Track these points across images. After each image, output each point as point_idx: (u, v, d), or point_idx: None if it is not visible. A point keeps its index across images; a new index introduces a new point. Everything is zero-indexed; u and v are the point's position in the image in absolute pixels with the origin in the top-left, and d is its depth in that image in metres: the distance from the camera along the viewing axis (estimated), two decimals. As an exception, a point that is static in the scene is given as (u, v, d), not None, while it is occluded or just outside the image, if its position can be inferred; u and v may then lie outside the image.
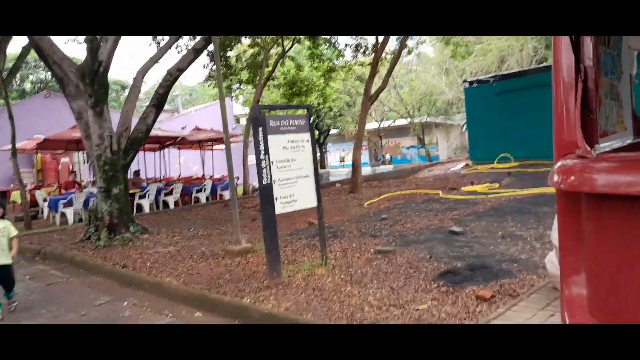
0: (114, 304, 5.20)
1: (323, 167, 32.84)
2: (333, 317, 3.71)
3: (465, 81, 19.29)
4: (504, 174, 12.53)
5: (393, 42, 17.40)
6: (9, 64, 15.06)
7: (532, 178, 11.03)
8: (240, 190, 16.60)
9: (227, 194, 15.55)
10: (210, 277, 5.36)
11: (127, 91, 12.42)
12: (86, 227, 8.80)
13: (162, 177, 18.31)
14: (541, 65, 20.10)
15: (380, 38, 14.00)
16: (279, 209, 4.82)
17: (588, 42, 1.99)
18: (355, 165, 13.35)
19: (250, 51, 18.03)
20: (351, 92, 28.27)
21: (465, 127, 29.03)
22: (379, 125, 32.94)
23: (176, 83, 11.13)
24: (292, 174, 4.98)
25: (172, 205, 14.20)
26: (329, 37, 17.34)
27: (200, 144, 18.35)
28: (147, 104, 9.89)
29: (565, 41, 1.97)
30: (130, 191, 11.52)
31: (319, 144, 31.94)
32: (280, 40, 16.90)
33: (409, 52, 16.50)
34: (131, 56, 57.35)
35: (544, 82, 15.91)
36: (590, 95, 1.96)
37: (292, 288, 4.57)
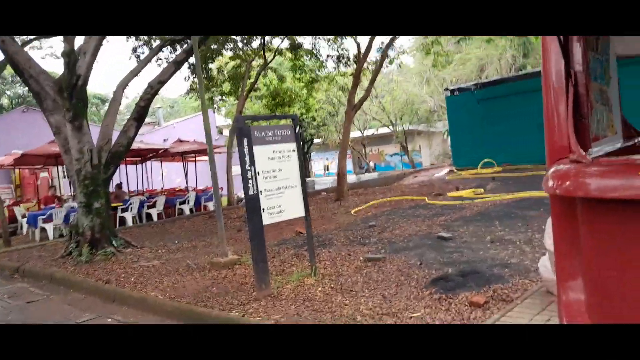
0: (97, 322, 5.03)
1: (308, 175, 32.83)
2: (325, 328, 3.64)
3: (446, 89, 19.53)
4: (488, 179, 12.66)
5: (374, 52, 17.54)
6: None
7: (516, 182, 11.17)
8: (224, 201, 16.46)
9: (211, 205, 15.41)
10: (197, 291, 5.24)
11: (107, 105, 12.24)
12: (67, 243, 8.59)
13: (144, 190, 18.09)
14: (520, 73, 20.47)
15: (363, 48, 14.10)
16: (266, 219, 4.76)
17: (577, 47, 1.99)
18: (341, 174, 13.36)
19: (232, 63, 18.00)
20: (334, 102, 28.38)
21: (447, 134, 29.35)
22: (363, 134, 33.10)
23: (157, 96, 11.03)
24: (279, 185, 4.93)
25: (155, 218, 14.01)
26: (310, 48, 17.43)
27: (182, 156, 18.20)
28: (128, 117, 9.77)
29: (554, 46, 1.97)
30: (113, 204, 11.33)
31: (303, 153, 31.92)
32: (261, 52, 16.92)
33: (391, 62, 16.62)
34: (111, 69, 56.83)
35: (525, 89, 16.33)
36: (581, 100, 1.96)
37: (281, 299, 4.48)
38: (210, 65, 17.50)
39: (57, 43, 18.97)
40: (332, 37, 15.83)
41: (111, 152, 8.97)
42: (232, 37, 15.33)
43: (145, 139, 21.96)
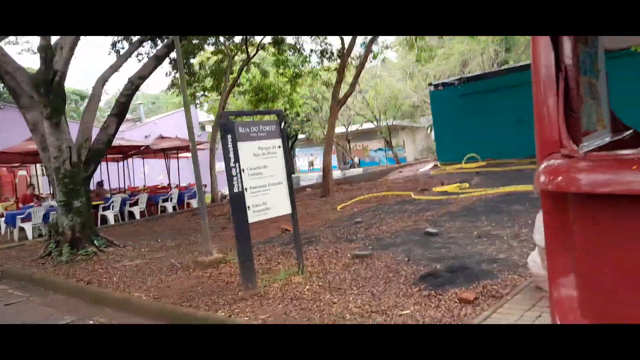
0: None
1: (293, 171, 32.70)
2: (313, 327, 3.58)
3: (430, 84, 19.60)
4: (473, 174, 12.73)
5: (358, 47, 17.51)
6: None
7: (501, 177, 11.25)
8: (208, 198, 16.30)
9: (194, 203, 15.25)
10: (182, 291, 5.14)
11: (86, 101, 11.97)
12: (46, 243, 8.39)
13: (126, 188, 17.82)
14: (503, 67, 20.64)
15: (347, 42, 14.04)
16: (252, 217, 4.67)
17: (567, 40, 1.96)
18: (326, 170, 13.32)
19: (214, 58, 17.78)
20: (318, 97, 28.30)
21: (430, 129, 29.48)
22: (347, 129, 33.10)
23: (138, 92, 10.81)
24: (265, 182, 4.85)
25: (138, 216, 13.82)
26: (293, 43, 17.29)
27: (165, 153, 17.96)
28: (108, 113, 9.58)
29: (544, 39, 1.94)
30: (94, 203, 11.12)
31: (287, 149, 31.79)
32: (244, 47, 16.73)
33: (375, 57, 16.60)
34: (90, 65, 55.79)
35: (508, 83, 16.46)
36: (572, 94, 1.93)
37: (268, 298, 4.42)
38: (192, 60, 17.28)
39: (33, 38, 18.50)
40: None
41: (91, 149, 8.78)
42: (214, 31, 15.11)
43: (127, 135, 21.62)
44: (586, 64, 2.25)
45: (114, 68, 9.48)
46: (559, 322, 1.81)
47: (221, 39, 16.34)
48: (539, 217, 3.27)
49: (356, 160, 34.99)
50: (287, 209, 5.04)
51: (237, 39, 16.65)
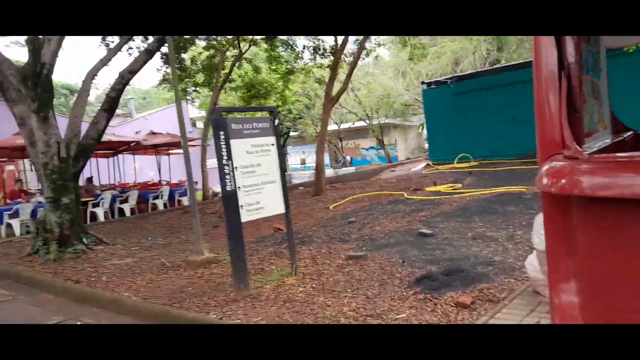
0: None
1: (285, 169, 32.58)
2: (307, 330, 3.51)
3: (423, 83, 19.53)
4: (465, 174, 12.72)
5: (351, 44, 17.42)
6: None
7: (493, 177, 11.24)
8: (199, 195, 16.16)
9: (185, 200, 15.10)
10: (172, 291, 5.05)
11: (75, 95, 11.75)
12: (34, 240, 8.23)
13: (116, 184, 17.62)
14: (496, 66, 20.66)
15: (340, 40, 13.96)
16: (245, 216, 4.58)
17: (570, 38, 1.91)
18: (319, 168, 13.24)
19: (206, 53, 17.60)
20: (310, 94, 28.18)
21: (422, 128, 29.49)
22: (339, 127, 33.02)
23: (129, 86, 10.66)
24: (258, 180, 4.76)
25: (128, 213, 13.65)
26: (286, 38, 17.16)
27: (155, 149, 17.77)
28: (98, 108, 9.42)
29: (547, 36, 1.89)
30: (83, 199, 10.96)
31: (280, 146, 31.70)
32: (236, 43, 16.57)
33: (368, 54, 16.51)
34: (80, 58, 55.09)
35: (500, 82, 16.43)
36: (574, 94, 1.88)
37: (261, 300, 4.33)
38: (183, 55, 17.09)
39: (22, 31, 18.05)
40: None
41: (80, 144, 8.64)
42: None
43: (117, 131, 21.40)
44: (589, 62, 2.21)
45: (104, 62, 9.31)
46: (559, 327, 1.77)
47: (213, 34, 16.18)
48: (539, 220, 3.22)
49: (348, 158, 34.91)
50: (280, 208, 4.96)
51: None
